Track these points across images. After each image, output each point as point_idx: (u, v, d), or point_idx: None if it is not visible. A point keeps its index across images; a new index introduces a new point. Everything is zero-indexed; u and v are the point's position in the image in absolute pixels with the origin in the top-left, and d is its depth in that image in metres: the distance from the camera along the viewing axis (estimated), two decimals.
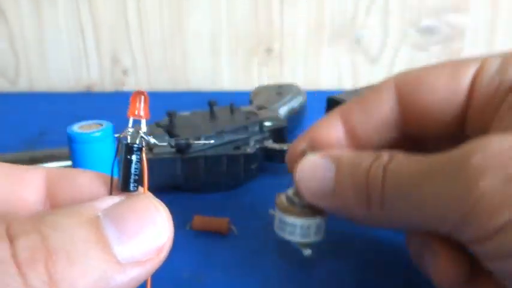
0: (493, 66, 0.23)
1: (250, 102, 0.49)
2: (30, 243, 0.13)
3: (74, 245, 0.14)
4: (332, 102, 0.40)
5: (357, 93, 0.41)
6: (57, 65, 0.68)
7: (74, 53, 0.67)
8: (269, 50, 0.66)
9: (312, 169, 0.24)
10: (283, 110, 0.46)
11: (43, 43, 0.67)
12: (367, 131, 0.26)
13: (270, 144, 0.39)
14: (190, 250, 0.31)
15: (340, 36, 0.65)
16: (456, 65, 0.24)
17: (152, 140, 0.17)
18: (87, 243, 0.14)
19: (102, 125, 0.31)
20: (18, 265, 0.13)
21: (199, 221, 0.33)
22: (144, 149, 0.16)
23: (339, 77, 0.67)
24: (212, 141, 0.36)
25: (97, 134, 0.30)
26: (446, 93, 0.24)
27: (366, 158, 0.22)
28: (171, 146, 0.35)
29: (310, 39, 0.65)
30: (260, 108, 0.44)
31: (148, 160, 0.16)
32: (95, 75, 0.68)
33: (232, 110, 0.42)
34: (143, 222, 0.15)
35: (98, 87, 0.69)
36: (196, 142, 0.34)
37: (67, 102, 0.63)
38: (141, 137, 0.16)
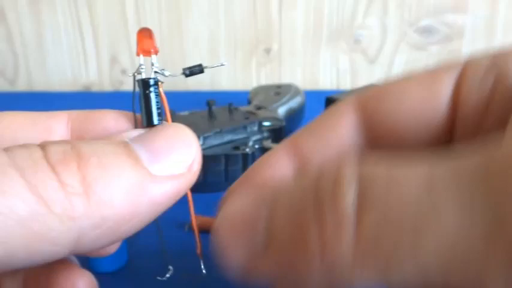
0: (481, 64, 0.19)
1: (249, 102, 0.49)
2: (61, 148, 0.13)
3: (105, 155, 0.14)
4: (331, 102, 0.40)
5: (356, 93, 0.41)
6: (56, 64, 0.68)
7: (73, 52, 0.67)
8: (268, 50, 0.66)
9: (236, 217, 0.16)
10: (281, 110, 0.46)
11: (42, 43, 0.67)
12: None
13: (268, 144, 0.39)
14: (189, 250, 0.31)
15: (339, 36, 0.65)
16: (431, 71, 0.20)
17: (167, 73, 0.17)
18: (117, 156, 0.14)
19: None
20: (51, 165, 0.13)
21: (198, 221, 0.33)
22: (160, 83, 0.17)
23: (338, 77, 0.67)
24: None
25: None
26: (423, 101, 0.19)
27: (316, 171, 0.15)
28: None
29: (308, 39, 0.65)
30: (259, 108, 0.44)
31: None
32: (93, 75, 0.68)
33: (230, 110, 0.42)
34: (171, 142, 0.15)
35: (96, 87, 0.69)
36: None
37: (66, 102, 0.63)
38: (155, 71, 0.17)
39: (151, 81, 0.17)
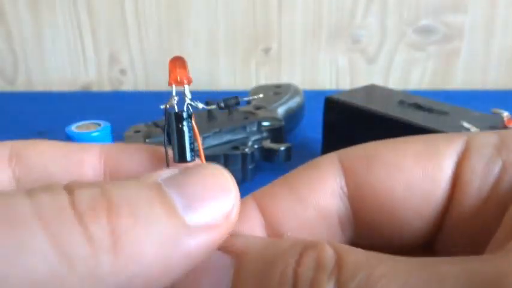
0: (487, 145, 0.16)
1: (248, 102, 0.49)
2: (90, 194, 0.12)
3: (137, 202, 0.12)
4: (330, 101, 0.40)
5: (355, 93, 0.41)
6: (55, 64, 0.68)
7: (72, 52, 0.67)
8: (267, 50, 0.66)
9: (196, 272, 0.14)
10: (281, 110, 0.46)
11: (41, 43, 0.67)
12: (297, 230, 0.17)
13: (267, 144, 0.39)
14: None
15: (338, 36, 0.65)
16: (429, 143, 0.17)
17: (200, 105, 0.16)
18: (151, 203, 0.13)
19: (100, 124, 0.31)
20: (78, 214, 0.12)
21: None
22: (193, 116, 0.15)
23: (337, 76, 0.67)
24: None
25: (95, 134, 0.30)
26: (420, 180, 0.16)
27: (288, 246, 0.14)
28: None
29: (308, 39, 0.65)
30: (258, 108, 0.44)
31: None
32: (92, 75, 0.68)
33: (230, 110, 0.42)
34: (208, 187, 0.14)
35: (95, 87, 0.69)
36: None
37: (65, 102, 0.63)
38: (188, 104, 0.15)
39: (185, 115, 0.15)
